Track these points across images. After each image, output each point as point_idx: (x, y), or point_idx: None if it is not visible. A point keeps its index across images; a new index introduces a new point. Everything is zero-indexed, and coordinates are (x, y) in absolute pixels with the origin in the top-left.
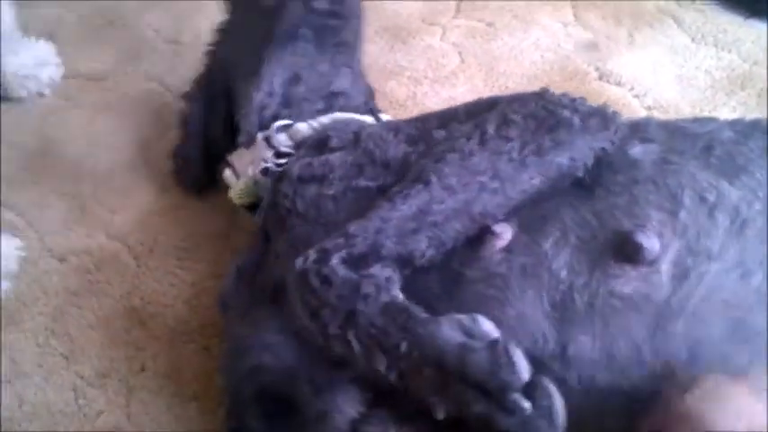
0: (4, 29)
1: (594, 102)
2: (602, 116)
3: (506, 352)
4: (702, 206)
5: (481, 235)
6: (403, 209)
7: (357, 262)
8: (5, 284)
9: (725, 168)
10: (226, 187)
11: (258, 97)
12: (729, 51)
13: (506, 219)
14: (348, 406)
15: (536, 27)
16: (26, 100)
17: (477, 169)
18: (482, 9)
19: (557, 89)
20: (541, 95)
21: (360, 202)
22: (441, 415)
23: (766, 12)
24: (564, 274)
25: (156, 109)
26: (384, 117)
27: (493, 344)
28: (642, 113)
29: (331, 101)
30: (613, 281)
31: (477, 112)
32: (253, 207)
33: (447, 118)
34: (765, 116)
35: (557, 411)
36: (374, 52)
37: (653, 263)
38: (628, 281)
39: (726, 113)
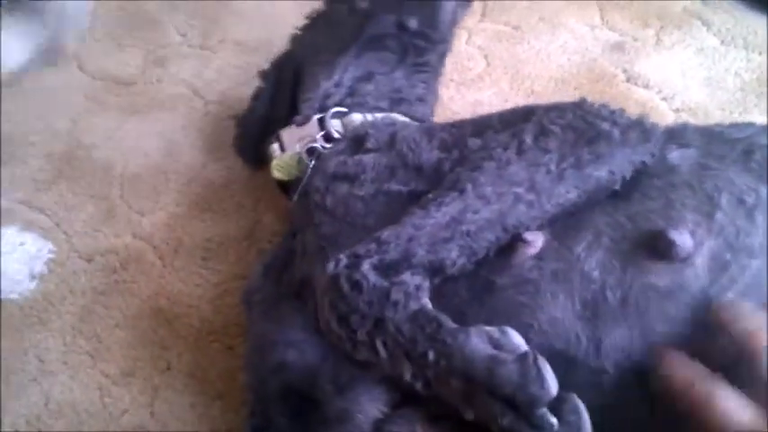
0: None
1: (623, 105)
2: (642, 129)
3: (536, 366)
4: (740, 208)
5: (512, 242)
6: (436, 217)
7: (388, 269)
8: (33, 285)
9: (765, 173)
10: (267, 164)
11: (325, 85)
12: (760, 53)
13: (538, 227)
14: (371, 406)
15: (562, 30)
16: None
17: (513, 180)
18: (508, 12)
19: (584, 92)
20: (580, 106)
21: (389, 206)
22: (470, 416)
23: None
24: (596, 274)
25: (183, 113)
26: None
27: (522, 357)
28: (670, 116)
29: (396, 104)
30: (647, 276)
31: (513, 121)
32: (286, 189)
33: (482, 126)
34: None
35: (584, 428)
36: None
37: (686, 259)
38: (661, 275)
39: (756, 116)
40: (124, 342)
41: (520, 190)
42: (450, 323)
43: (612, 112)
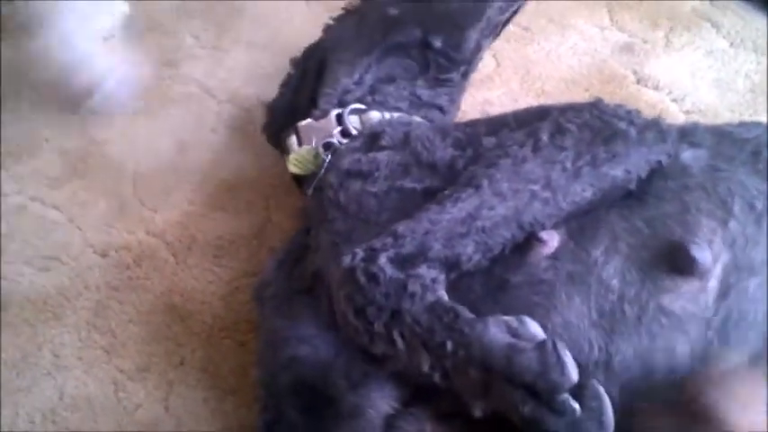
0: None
1: (633, 106)
2: (659, 129)
3: (555, 352)
4: (751, 214)
5: (527, 241)
6: (453, 212)
7: (404, 262)
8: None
9: None
10: (285, 156)
11: (345, 81)
12: None
13: (554, 226)
14: (383, 402)
15: (572, 31)
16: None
17: (529, 177)
18: (518, 13)
19: (594, 93)
20: (596, 105)
21: (402, 203)
22: (478, 412)
23: None
24: (615, 283)
25: (195, 112)
26: None
27: (541, 345)
28: (681, 118)
29: (416, 108)
30: (664, 295)
31: (529, 120)
32: (300, 184)
33: (497, 125)
34: None
35: (606, 413)
36: None
37: (704, 275)
38: (677, 297)
39: (765, 118)
40: (138, 338)
41: (536, 187)
42: (467, 313)
43: (629, 112)
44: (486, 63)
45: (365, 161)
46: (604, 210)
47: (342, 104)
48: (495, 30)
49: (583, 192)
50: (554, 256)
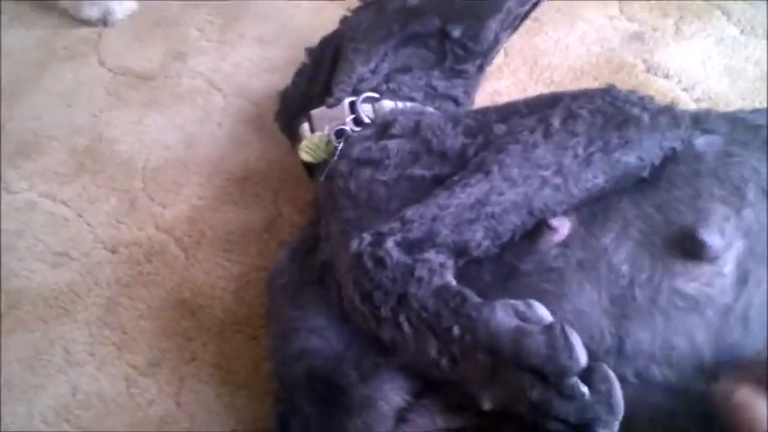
0: None
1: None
2: (672, 114)
3: (563, 335)
4: (766, 200)
5: (537, 228)
6: (461, 197)
7: (412, 247)
8: None
9: None
10: (296, 143)
11: (361, 70)
12: None
13: (564, 213)
14: (394, 394)
15: (581, 20)
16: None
17: (540, 162)
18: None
19: (604, 82)
20: (608, 91)
21: (412, 191)
22: (487, 405)
23: None
24: (625, 268)
25: (202, 106)
26: None
27: (549, 328)
28: (691, 106)
29: (430, 99)
30: (676, 278)
31: (540, 106)
32: (311, 171)
33: (508, 112)
34: None
35: (615, 396)
36: None
37: (715, 260)
38: (690, 279)
39: None
40: (149, 333)
41: (546, 173)
42: (474, 297)
43: (642, 98)
44: None
45: (375, 149)
46: (616, 196)
47: (356, 93)
48: (514, 22)
49: (595, 178)
50: (564, 244)
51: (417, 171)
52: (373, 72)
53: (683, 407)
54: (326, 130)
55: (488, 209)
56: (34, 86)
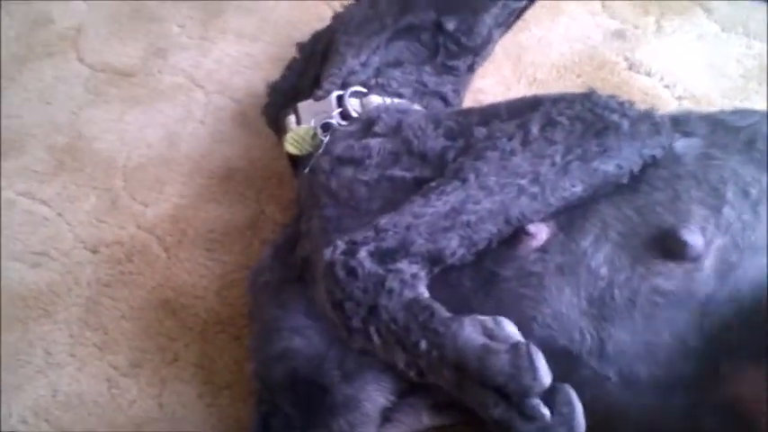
0: None
1: (625, 93)
2: (653, 121)
3: (528, 356)
4: (746, 201)
5: (516, 234)
6: (437, 205)
7: (384, 256)
8: None
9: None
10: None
11: (352, 63)
12: (761, 40)
13: (543, 219)
14: (378, 394)
15: (564, 17)
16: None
17: (517, 171)
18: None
19: (586, 80)
20: (588, 97)
21: (393, 192)
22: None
23: None
24: (604, 270)
25: (184, 103)
26: None
27: (515, 347)
28: (673, 104)
29: (419, 96)
30: (655, 277)
31: (521, 110)
32: (296, 165)
33: (489, 115)
34: None
35: (577, 419)
36: None
37: (697, 259)
38: (670, 277)
39: (758, 103)
40: (131, 334)
41: (523, 182)
42: (443, 312)
43: (622, 104)
44: None
45: (357, 148)
46: (595, 200)
47: (345, 86)
48: (508, 20)
49: (572, 187)
50: (543, 249)
51: (398, 172)
52: (364, 65)
53: (670, 403)
54: (313, 123)
55: (464, 217)
56: (12, 84)
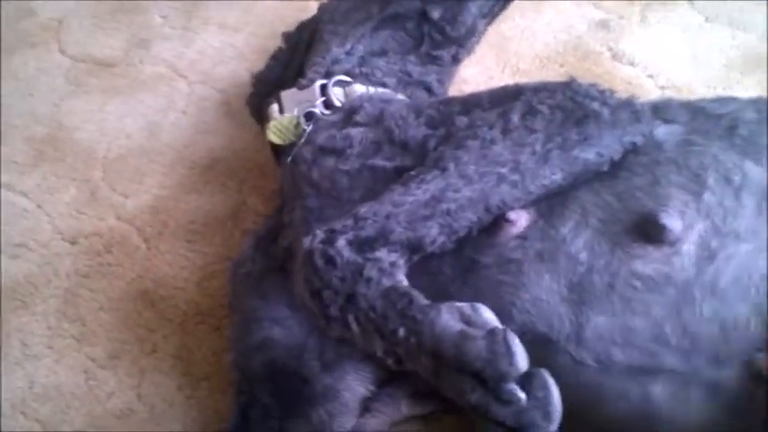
0: None
1: (609, 82)
2: (633, 109)
3: (505, 341)
4: (728, 187)
5: (496, 222)
6: (417, 194)
7: (363, 245)
8: None
9: (749, 148)
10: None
11: (337, 51)
12: (744, 30)
13: (523, 206)
14: (358, 384)
15: (548, 7)
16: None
17: (497, 159)
18: None
19: (570, 70)
20: (569, 85)
21: (374, 181)
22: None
23: None
24: (583, 256)
25: (166, 93)
26: None
27: (491, 333)
28: (656, 93)
29: (403, 86)
30: (634, 261)
31: (502, 99)
32: (278, 154)
33: (470, 104)
34: None
35: (553, 403)
36: None
37: (675, 243)
38: (648, 261)
39: (741, 93)
40: (109, 325)
41: (503, 170)
42: (421, 300)
43: (602, 92)
44: None
45: (339, 137)
46: (574, 186)
47: (329, 75)
48: (493, 10)
49: (552, 175)
50: (523, 236)
51: (379, 162)
52: (348, 54)
53: (646, 388)
54: (296, 112)
55: (444, 206)
56: None
